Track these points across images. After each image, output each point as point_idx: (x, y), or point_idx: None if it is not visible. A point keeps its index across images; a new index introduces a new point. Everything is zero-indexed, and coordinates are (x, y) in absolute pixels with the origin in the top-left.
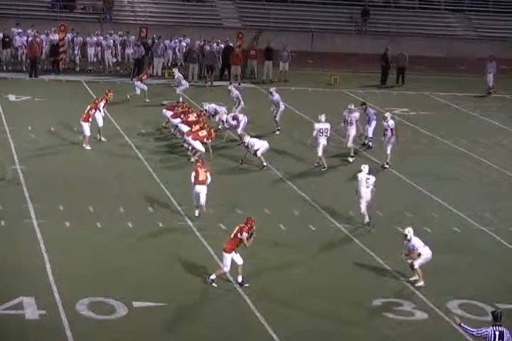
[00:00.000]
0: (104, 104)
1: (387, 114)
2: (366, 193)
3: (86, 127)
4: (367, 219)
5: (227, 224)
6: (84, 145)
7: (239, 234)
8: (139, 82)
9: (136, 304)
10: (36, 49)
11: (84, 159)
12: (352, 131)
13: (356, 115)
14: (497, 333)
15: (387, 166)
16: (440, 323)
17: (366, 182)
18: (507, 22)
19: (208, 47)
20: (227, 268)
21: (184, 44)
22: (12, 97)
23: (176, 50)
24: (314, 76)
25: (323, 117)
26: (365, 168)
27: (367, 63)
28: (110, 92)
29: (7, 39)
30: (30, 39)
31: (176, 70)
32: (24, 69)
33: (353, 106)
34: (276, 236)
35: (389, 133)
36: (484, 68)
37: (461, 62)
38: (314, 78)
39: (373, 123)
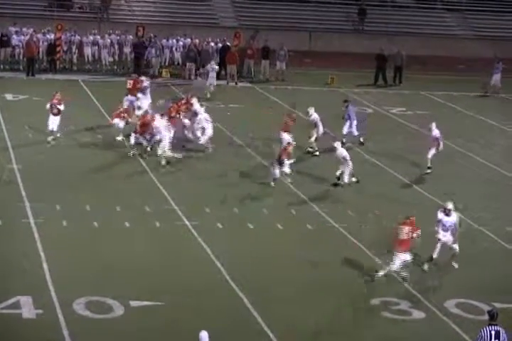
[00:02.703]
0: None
1: (432, 125)
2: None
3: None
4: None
5: (224, 223)
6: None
7: (412, 234)
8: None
9: (133, 303)
10: (33, 48)
11: (81, 158)
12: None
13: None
14: (493, 332)
15: (429, 171)
16: (437, 322)
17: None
18: (504, 21)
19: (204, 47)
20: (395, 267)
21: (181, 43)
22: (9, 96)
23: (173, 49)
24: (311, 75)
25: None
26: (449, 205)
27: (364, 62)
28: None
29: (5, 38)
30: (27, 38)
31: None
32: (21, 68)
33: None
34: (273, 235)
35: (435, 142)
36: (491, 69)
37: (458, 61)
38: (311, 77)
39: (354, 122)
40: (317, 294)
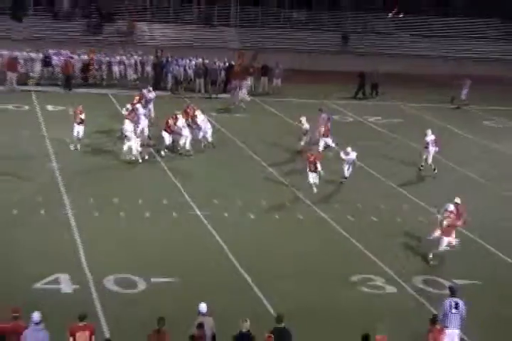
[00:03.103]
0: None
1: (428, 131)
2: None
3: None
4: None
5: (229, 213)
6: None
7: (456, 222)
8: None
9: (153, 280)
10: (70, 67)
11: (108, 160)
12: None
13: None
14: (453, 303)
15: (435, 172)
16: (407, 296)
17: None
18: (466, 46)
19: (212, 65)
20: (442, 248)
21: (193, 63)
22: (50, 107)
23: (186, 67)
24: (303, 89)
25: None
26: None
27: (348, 79)
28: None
29: (48, 59)
30: (64, 59)
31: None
32: (60, 83)
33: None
34: (271, 223)
35: (430, 146)
36: (460, 84)
37: (428, 78)
38: (303, 91)
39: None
40: (307, 273)
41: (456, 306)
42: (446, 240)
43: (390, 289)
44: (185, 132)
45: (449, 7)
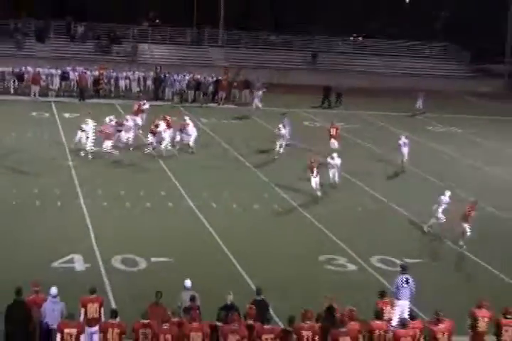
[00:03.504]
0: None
1: (402, 136)
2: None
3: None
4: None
5: (217, 204)
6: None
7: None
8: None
9: (153, 259)
10: (84, 81)
11: (116, 159)
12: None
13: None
14: (404, 279)
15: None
16: (365, 273)
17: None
18: (414, 63)
19: (203, 80)
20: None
21: (187, 78)
22: (67, 115)
23: (182, 82)
24: (278, 100)
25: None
26: (334, 154)
27: (316, 91)
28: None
29: (66, 74)
30: (79, 74)
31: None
32: (75, 95)
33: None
34: (251, 212)
35: (402, 147)
36: (416, 96)
37: (382, 90)
38: (279, 101)
39: (288, 129)
40: (283, 253)
41: (407, 281)
42: (467, 225)
43: (351, 267)
44: (165, 136)
45: (396, 30)
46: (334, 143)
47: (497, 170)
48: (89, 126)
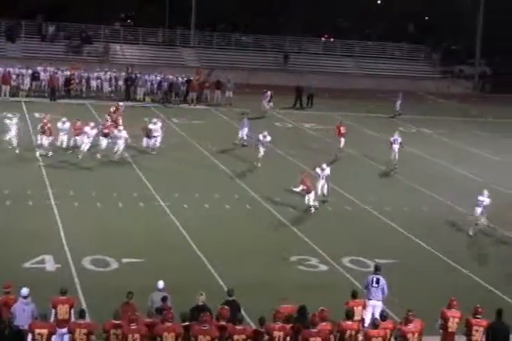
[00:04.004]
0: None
1: (396, 132)
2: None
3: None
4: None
5: (188, 204)
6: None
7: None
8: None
9: (124, 260)
10: (55, 81)
11: (87, 159)
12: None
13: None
14: (375, 279)
15: (396, 167)
16: (337, 273)
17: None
18: (384, 64)
19: (174, 80)
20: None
21: (158, 78)
22: (37, 114)
23: (153, 82)
24: (250, 101)
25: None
26: (323, 164)
27: (287, 92)
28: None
29: (36, 74)
30: (50, 74)
31: None
32: (46, 95)
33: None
34: (223, 212)
35: (394, 144)
36: (395, 97)
37: (352, 91)
38: (250, 102)
39: (246, 129)
40: (254, 254)
41: (377, 281)
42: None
43: (323, 268)
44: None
45: (367, 31)
46: (341, 142)
47: (463, 169)
48: (67, 125)
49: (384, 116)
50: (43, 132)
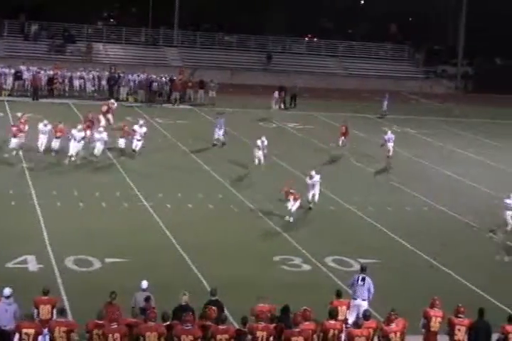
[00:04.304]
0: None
1: (389, 131)
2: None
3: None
4: None
5: (171, 204)
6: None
7: None
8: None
9: (107, 260)
10: (38, 81)
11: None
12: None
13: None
14: (360, 277)
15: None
16: (320, 273)
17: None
18: (368, 64)
19: (158, 80)
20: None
21: (142, 77)
22: (20, 114)
23: (136, 81)
24: (233, 101)
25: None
26: (312, 172)
27: (270, 92)
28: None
29: (19, 74)
30: (33, 74)
31: None
32: (29, 94)
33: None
34: (207, 212)
35: (388, 143)
36: (381, 97)
37: (336, 91)
38: (233, 102)
39: (222, 130)
40: (238, 253)
41: (363, 280)
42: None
43: (306, 267)
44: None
45: (351, 31)
46: (344, 141)
47: (447, 169)
48: (48, 127)
49: (369, 116)
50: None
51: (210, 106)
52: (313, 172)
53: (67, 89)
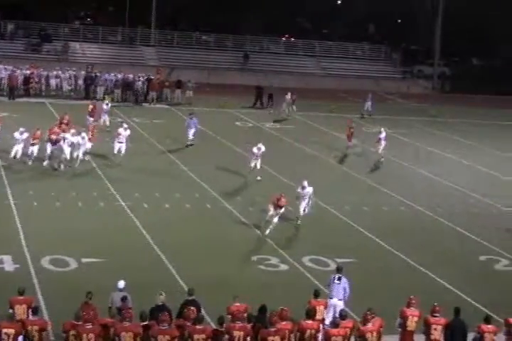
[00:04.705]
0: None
1: (382, 129)
2: None
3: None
4: None
5: (148, 204)
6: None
7: None
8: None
9: (84, 260)
10: (14, 80)
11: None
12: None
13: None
14: (337, 277)
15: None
16: (297, 272)
17: None
18: (345, 64)
19: (136, 79)
20: None
21: (119, 76)
22: None
23: (113, 81)
24: (210, 100)
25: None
26: (304, 182)
27: (247, 91)
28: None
29: None
30: (9, 73)
31: None
32: (5, 94)
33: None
34: (184, 212)
35: (382, 141)
36: (364, 98)
37: (313, 91)
38: (210, 102)
39: (193, 130)
40: (215, 253)
41: (339, 279)
42: None
43: (283, 267)
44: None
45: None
46: (349, 141)
47: (423, 169)
48: (24, 135)
49: (346, 116)
50: None
51: (186, 106)
52: (305, 183)
53: (43, 88)
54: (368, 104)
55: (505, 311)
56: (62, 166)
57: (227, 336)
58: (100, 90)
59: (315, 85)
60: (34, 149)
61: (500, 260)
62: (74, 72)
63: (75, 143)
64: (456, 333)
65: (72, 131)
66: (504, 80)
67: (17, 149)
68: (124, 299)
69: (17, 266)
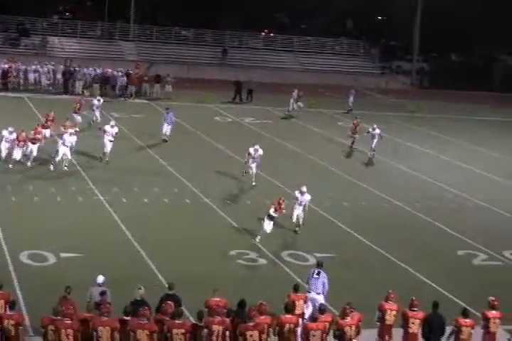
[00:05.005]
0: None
1: (375, 126)
2: None
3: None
4: None
5: (127, 199)
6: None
7: None
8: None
9: (62, 255)
10: None
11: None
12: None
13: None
14: (316, 271)
15: (374, 155)
16: (275, 267)
17: None
18: (323, 60)
19: (115, 74)
20: None
21: (98, 71)
22: None
23: (92, 75)
24: (190, 95)
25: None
26: (303, 188)
27: (226, 86)
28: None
29: None
30: None
31: None
32: None
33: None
34: (162, 206)
35: (376, 137)
36: (347, 93)
37: (291, 86)
38: (190, 96)
39: (170, 125)
40: (193, 248)
41: (318, 273)
42: None
43: (262, 262)
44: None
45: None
46: (352, 138)
47: (402, 164)
48: (13, 135)
49: (324, 111)
50: None
51: (165, 101)
52: (304, 188)
53: (21, 82)
54: (351, 100)
55: (483, 305)
56: (29, 163)
57: (206, 330)
58: (79, 84)
59: (293, 80)
60: (19, 152)
61: (478, 254)
62: (52, 67)
63: (73, 143)
64: (434, 327)
65: (71, 130)
66: (481, 76)
67: (5, 149)
68: (102, 294)
69: None
